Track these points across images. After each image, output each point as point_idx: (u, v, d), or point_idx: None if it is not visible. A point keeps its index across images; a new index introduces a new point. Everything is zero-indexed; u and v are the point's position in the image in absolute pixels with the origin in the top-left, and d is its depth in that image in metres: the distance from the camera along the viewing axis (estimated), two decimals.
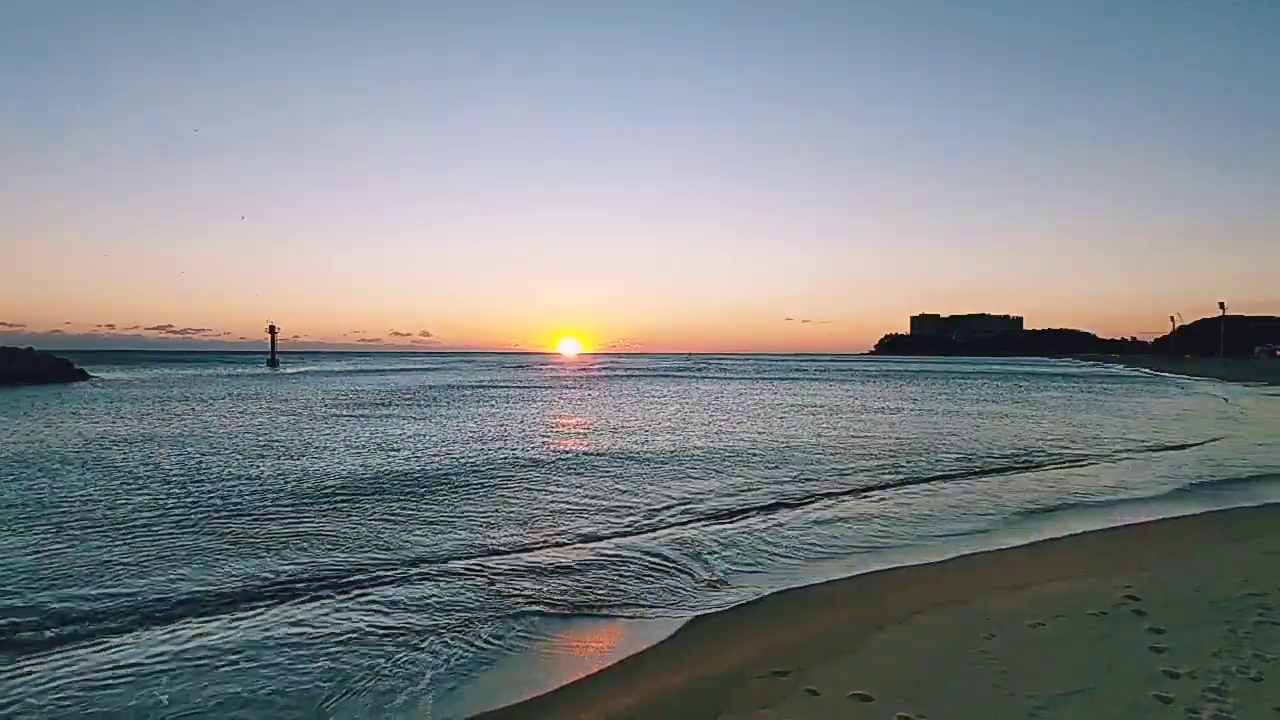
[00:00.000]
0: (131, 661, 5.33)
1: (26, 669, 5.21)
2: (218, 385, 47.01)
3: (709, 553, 8.30)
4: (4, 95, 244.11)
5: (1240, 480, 13.19)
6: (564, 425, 23.00)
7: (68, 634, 5.85)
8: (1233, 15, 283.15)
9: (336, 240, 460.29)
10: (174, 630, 5.95)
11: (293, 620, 6.20)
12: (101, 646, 5.62)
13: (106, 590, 6.87)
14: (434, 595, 6.85)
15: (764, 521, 9.88)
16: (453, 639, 5.83)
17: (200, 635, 5.85)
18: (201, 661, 5.35)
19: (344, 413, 26.86)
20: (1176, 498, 11.56)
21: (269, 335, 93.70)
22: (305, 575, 7.37)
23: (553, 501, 11.10)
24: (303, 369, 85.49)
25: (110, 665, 5.28)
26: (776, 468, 14.33)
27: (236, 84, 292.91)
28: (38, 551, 8.14)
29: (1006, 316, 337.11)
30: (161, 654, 5.47)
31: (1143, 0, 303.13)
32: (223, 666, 5.27)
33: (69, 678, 5.06)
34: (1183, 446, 17.88)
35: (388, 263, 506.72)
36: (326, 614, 6.36)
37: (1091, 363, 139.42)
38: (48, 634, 5.84)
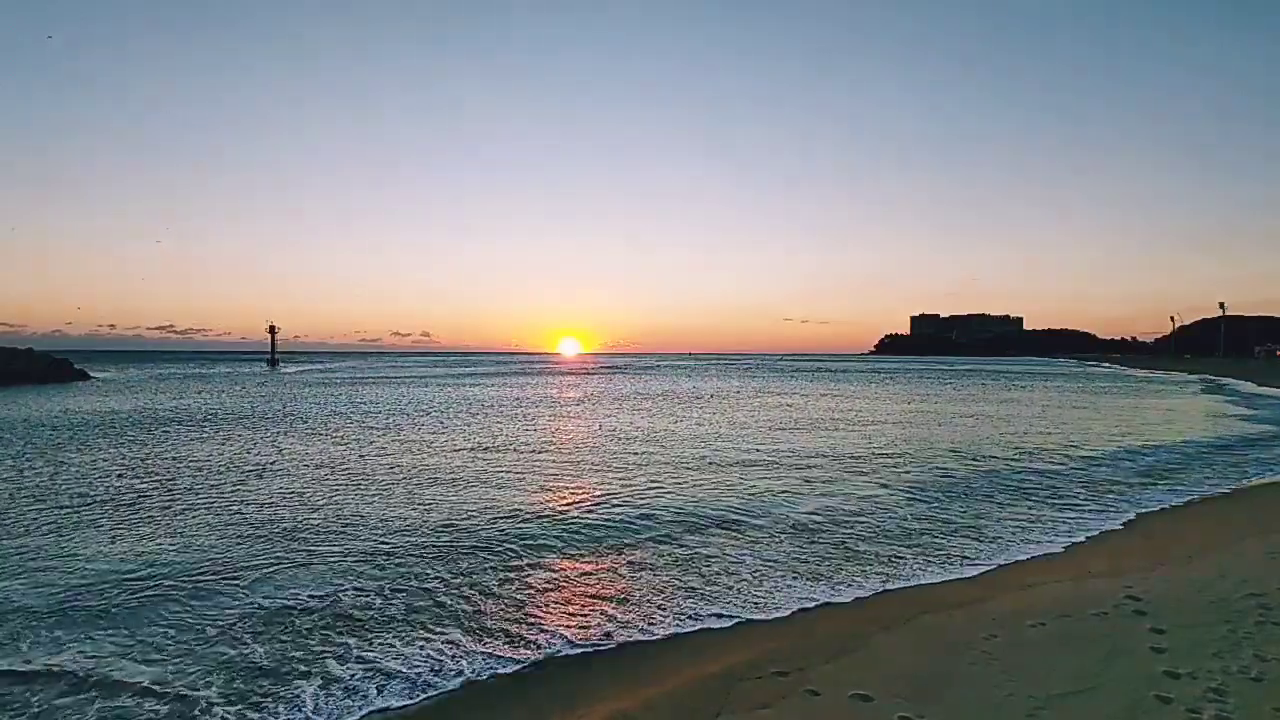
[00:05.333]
0: None
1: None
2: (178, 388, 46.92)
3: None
4: (4, 96, 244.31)
5: None
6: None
7: None
8: (1232, 18, 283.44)
9: (336, 240, 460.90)
10: None
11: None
12: None
13: None
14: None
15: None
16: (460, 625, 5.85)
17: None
18: None
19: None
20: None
21: (269, 335, 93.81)
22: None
23: None
24: (301, 368, 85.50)
25: None
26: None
27: (237, 85, 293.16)
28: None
29: (1006, 316, 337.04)
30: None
31: (1142, 3, 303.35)
32: None
33: None
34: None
35: (388, 263, 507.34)
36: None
37: (1092, 363, 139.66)
38: None
